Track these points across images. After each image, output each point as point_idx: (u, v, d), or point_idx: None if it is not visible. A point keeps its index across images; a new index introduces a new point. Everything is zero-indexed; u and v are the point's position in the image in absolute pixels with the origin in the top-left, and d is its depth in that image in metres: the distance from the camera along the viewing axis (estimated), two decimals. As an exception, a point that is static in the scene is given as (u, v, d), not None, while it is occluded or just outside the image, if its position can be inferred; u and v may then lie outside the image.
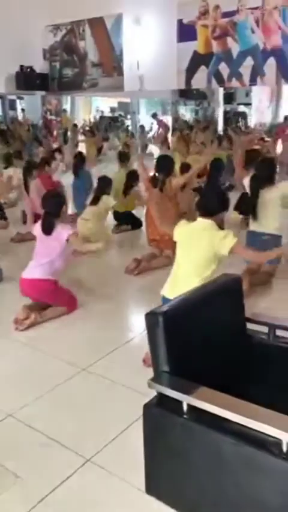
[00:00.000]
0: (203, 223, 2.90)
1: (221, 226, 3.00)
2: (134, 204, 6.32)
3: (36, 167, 6.33)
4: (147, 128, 15.43)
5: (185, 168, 6.99)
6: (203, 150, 9.00)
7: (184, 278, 2.84)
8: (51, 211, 3.68)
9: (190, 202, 6.73)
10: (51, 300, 3.64)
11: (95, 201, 5.52)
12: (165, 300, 2.78)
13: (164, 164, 4.90)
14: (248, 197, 4.42)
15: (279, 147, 10.04)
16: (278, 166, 7.66)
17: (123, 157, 7.06)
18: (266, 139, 10.48)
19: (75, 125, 14.50)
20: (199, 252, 2.83)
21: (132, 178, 6.30)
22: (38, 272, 3.57)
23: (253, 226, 4.35)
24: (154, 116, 15.37)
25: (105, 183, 5.71)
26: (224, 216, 3.02)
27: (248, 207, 4.39)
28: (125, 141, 12.49)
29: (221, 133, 12.74)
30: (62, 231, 3.61)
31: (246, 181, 4.48)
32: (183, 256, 2.93)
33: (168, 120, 16.01)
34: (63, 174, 7.64)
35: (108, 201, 5.59)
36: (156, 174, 4.84)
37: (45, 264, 3.58)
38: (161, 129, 13.85)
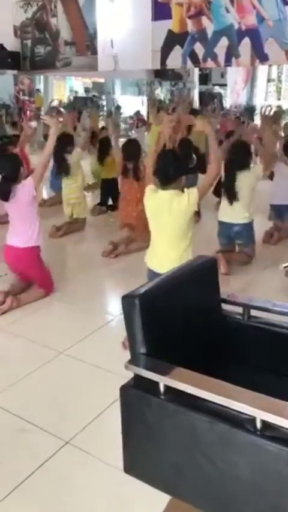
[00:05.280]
0: (168, 194, 2.83)
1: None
2: (114, 169, 5.88)
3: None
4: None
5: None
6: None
7: (163, 253, 2.89)
8: (8, 176, 3.43)
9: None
10: (35, 269, 3.59)
11: (66, 171, 5.38)
12: (150, 272, 2.91)
13: (131, 149, 4.81)
14: (224, 181, 4.32)
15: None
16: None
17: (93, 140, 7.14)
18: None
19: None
20: (174, 227, 2.84)
21: (104, 146, 6.20)
22: (18, 240, 3.49)
23: (224, 215, 4.32)
24: (137, 113, 14.93)
25: (66, 141, 5.43)
26: (184, 181, 2.92)
27: (226, 190, 4.28)
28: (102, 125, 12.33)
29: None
30: (25, 188, 3.43)
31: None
32: (159, 233, 2.93)
33: (143, 100, 15.81)
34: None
35: (77, 152, 5.44)
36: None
37: (23, 229, 3.48)
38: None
